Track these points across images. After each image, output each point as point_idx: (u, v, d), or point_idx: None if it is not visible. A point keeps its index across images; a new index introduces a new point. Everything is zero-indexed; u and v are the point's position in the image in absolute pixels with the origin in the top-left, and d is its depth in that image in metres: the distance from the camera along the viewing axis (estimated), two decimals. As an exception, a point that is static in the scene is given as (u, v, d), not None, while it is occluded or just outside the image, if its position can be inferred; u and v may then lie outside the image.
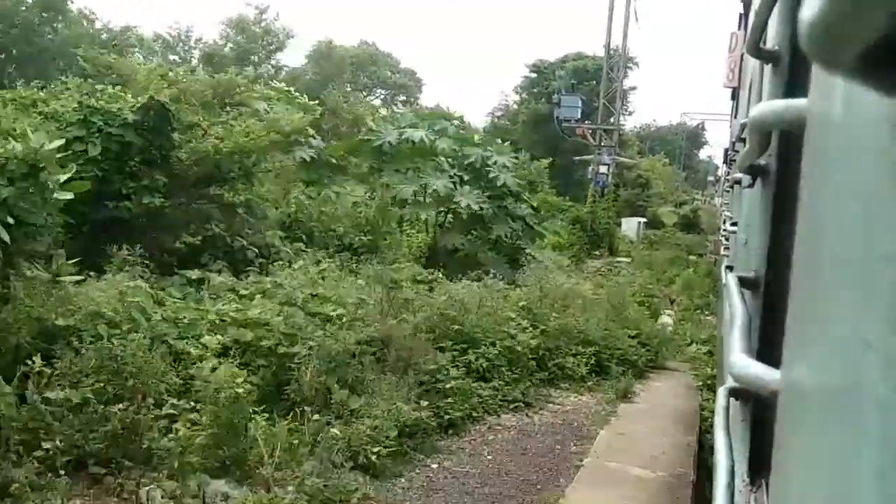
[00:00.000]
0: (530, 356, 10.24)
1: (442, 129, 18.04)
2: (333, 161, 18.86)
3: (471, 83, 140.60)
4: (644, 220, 39.12)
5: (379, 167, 17.80)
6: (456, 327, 9.91)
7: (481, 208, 16.37)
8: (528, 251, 18.06)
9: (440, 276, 12.82)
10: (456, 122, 19.62)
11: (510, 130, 47.51)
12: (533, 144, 42.50)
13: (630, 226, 37.56)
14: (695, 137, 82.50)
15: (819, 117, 0.73)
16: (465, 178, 16.97)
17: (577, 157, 37.61)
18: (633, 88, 49.36)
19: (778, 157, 2.07)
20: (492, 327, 10.21)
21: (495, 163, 17.44)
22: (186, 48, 55.21)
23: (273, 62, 56.48)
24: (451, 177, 16.64)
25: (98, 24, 45.30)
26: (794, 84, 1.96)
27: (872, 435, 0.45)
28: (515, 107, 54.37)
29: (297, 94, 20.46)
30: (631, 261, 28.40)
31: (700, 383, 11.11)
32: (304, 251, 12.95)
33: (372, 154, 18.07)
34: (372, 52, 61.93)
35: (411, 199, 16.73)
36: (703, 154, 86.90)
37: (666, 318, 16.47)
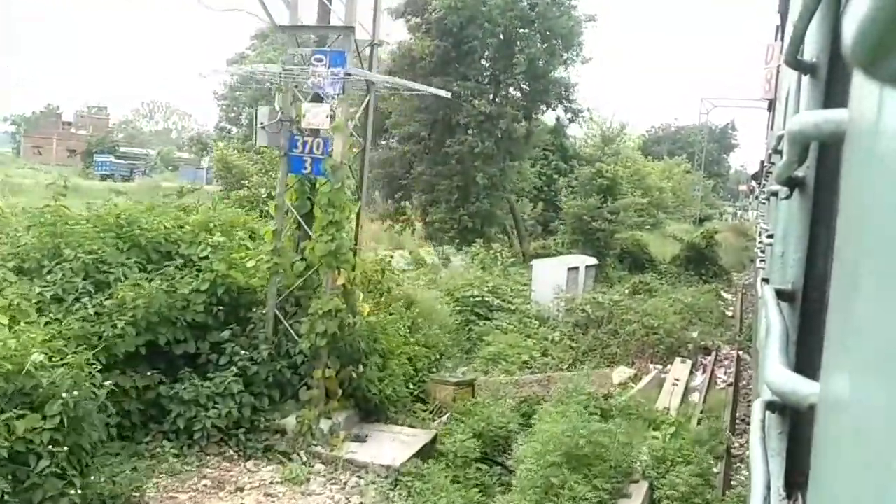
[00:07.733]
0: None
1: None
2: None
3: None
4: (594, 262, 19.36)
5: None
6: None
7: None
8: None
9: None
10: None
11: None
12: (413, 112, 24.36)
13: (550, 279, 16.30)
14: (724, 139, 69.55)
15: (859, 128, 0.73)
16: None
17: None
18: (592, 18, 25.79)
19: (816, 169, 2.06)
20: None
21: None
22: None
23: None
24: None
25: None
26: (832, 95, 1.94)
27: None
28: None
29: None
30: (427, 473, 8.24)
31: None
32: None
33: None
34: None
35: None
36: (733, 160, 75.24)
37: None
